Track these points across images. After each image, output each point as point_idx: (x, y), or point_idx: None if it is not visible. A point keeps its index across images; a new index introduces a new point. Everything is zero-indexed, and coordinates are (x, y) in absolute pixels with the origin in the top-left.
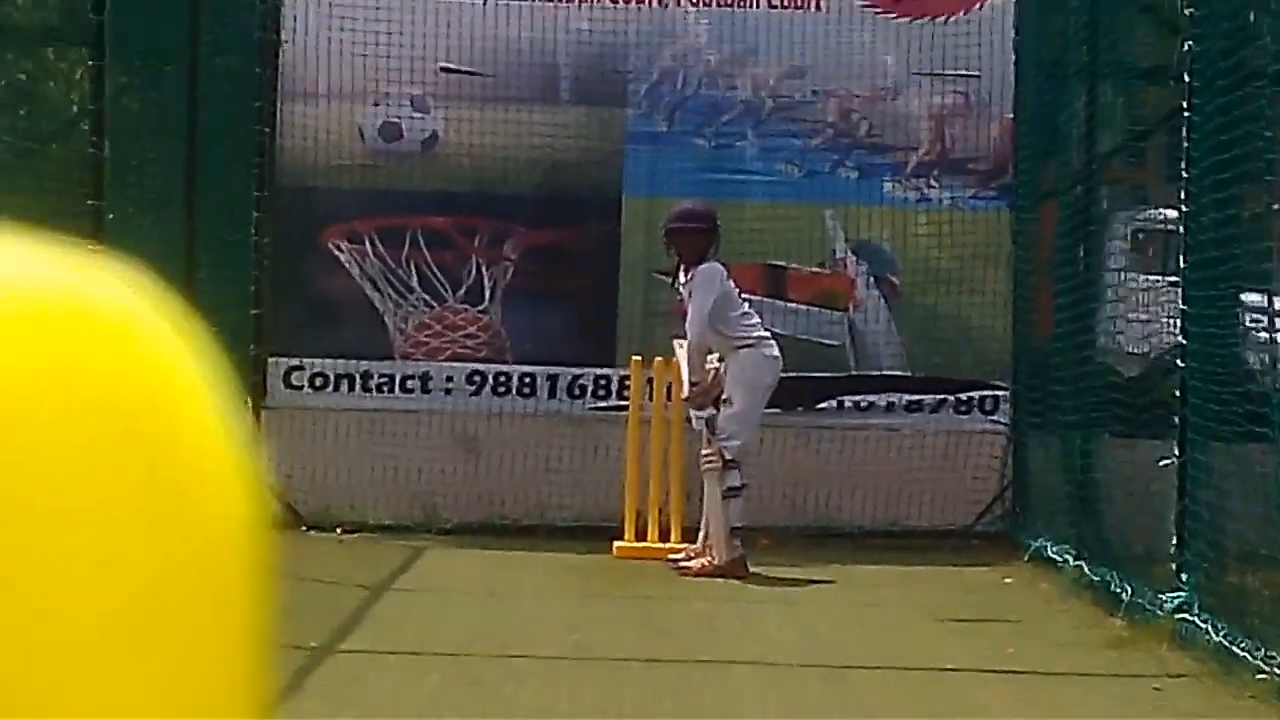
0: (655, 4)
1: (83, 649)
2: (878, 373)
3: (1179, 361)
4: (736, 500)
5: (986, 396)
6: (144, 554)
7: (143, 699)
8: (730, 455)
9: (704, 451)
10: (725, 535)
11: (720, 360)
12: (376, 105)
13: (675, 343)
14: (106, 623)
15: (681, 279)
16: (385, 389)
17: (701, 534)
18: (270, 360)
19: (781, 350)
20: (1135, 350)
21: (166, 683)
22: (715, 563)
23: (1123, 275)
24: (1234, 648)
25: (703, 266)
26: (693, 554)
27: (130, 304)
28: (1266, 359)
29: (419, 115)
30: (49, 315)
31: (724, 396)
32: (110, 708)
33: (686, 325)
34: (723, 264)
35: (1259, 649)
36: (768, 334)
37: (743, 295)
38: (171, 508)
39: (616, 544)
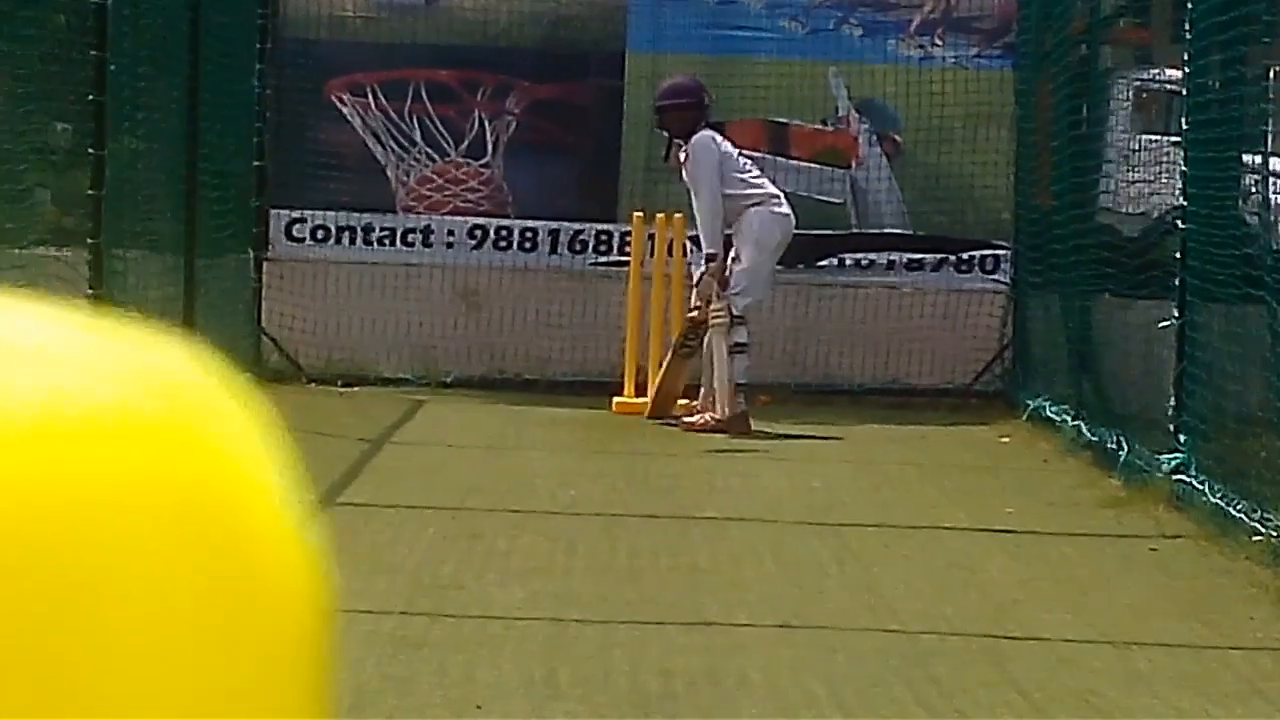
0: None
1: None
2: (879, 231)
3: (1179, 223)
4: (742, 356)
5: (987, 256)
6: (219, 650)
7: None
8: (738, 310)
9: (713, 306)
10: (730, 391)
11: (730, 228)
12: None
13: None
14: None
15: (680, 156)
16: (387, 242)
17: (703, 389)
18: (272, 212)
19: (792, 206)
20: (1136, 211)
21: None
22: (717, 418)
23: (1124, 136)
24: (1230, 509)
25: (696, 140)
26: (693, 409)
27: (203, 402)
28: (1266, 221)
29: None
30: (118, 425)
31: (733, 254)
32: None
33: (694, 202)
34: (716, 125)
35: (1255, 510)
36: (777, 192)
37: (743, 153)
38: (244, 606)
39: (616, 399)
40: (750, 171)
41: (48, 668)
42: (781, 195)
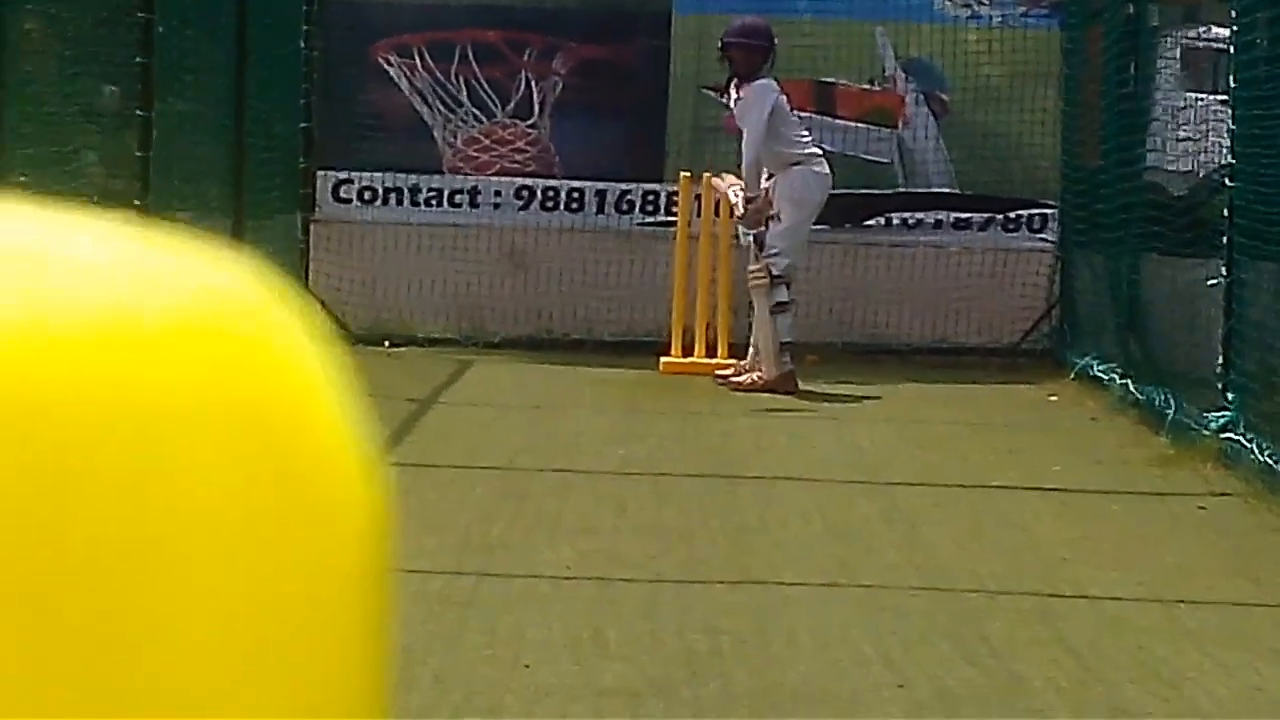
0: None
1: (220, 649)
2: (926, 190)
3: (1227, 181)
4: (784, 315)
5: (1034, 215)
6: (277, 557)
7: (273, 699)
8: (777, 271)
9: (751, 268)
10: (775, 350)
11: (770, 178)
12: None
13: (712, 179)
14: (239, 624)
15: (734, 94)
16: (434, 203)
17: (751, 349)
18: (319, 173)
19: (831, 167)
20: (1183, 169)
21: (297, 683)
22: (764, 378)
23: (1172, 94)
24: (1278, 467)
25: (756, 83)
26: (741, 369)
27: (261, 312)
28: None
29: None
30: (183, 331)
31: (773, 212)
32: (242, 708)
33: (741, 143)
34: (776, 80)
35: None
36: (819, 151)
37: (794, 111)
38: (302, 513)
39: (663, 359)
40: (799, 128)
41: (113, 571)
42: (823, 155)
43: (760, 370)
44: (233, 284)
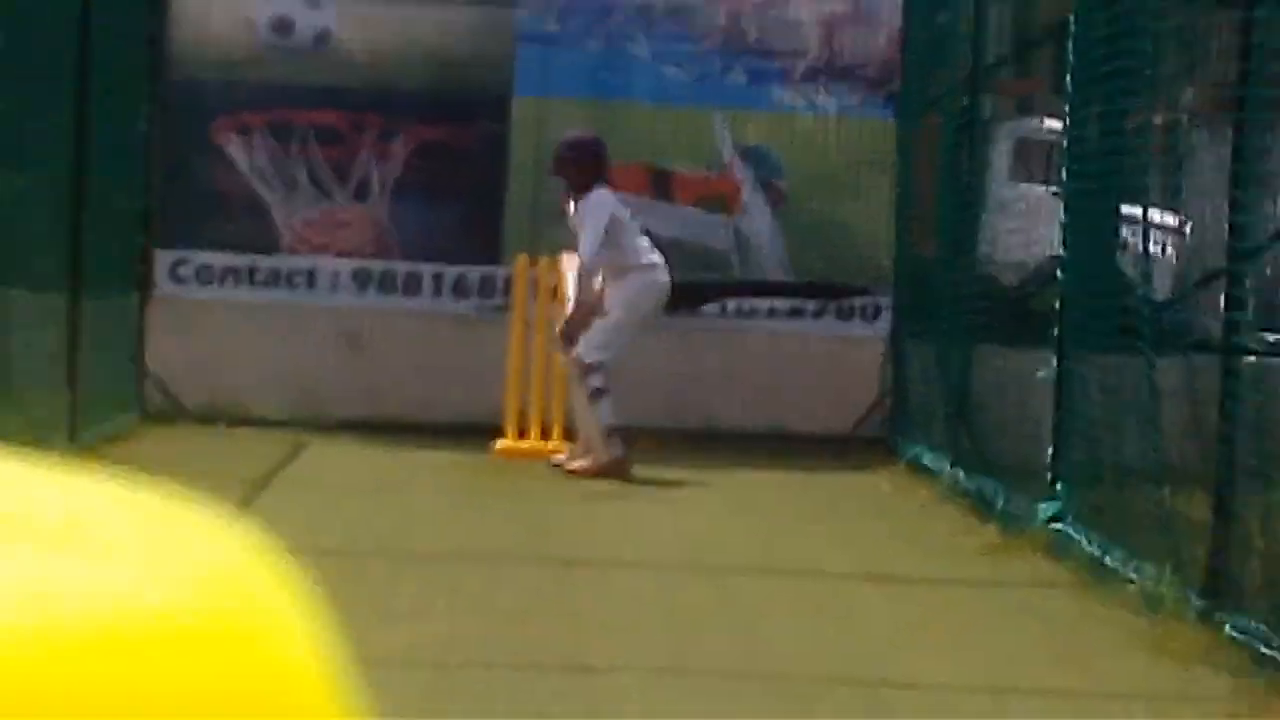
0: None
1: None
2: (761, 278)
3: (1058, 273)
4: (603, 400)
5: (868, 303)
6: None
7: None
8: (588, 361)
9: (562, 360)
10: (602, 436)
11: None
12: None
13: (563, 255)
14: None
15: (570, 208)
16: (272, 283)
17: (581, 434)
18: (157, 252)
19: (665, 254)
20: (1015, 260)
21: None
22: (597, 463)
23: (1005, 185)
24: (1106, 558)
25: (591, 194)
26: (575, 454)
27: (253, 602)
28: (1143, 272)
29: (311, 10)
30: (171, 633)
31: (605, 308)
32: None
33: (578, 253)
34: (610, 189)
35: (1130, 560)
36: (659, 259)
37: (633, 216)
38: None
39: (498, 443)
40: (638, 236)
41: None
42: (663, 264)
43: (592, 456)
44: (227, 571)
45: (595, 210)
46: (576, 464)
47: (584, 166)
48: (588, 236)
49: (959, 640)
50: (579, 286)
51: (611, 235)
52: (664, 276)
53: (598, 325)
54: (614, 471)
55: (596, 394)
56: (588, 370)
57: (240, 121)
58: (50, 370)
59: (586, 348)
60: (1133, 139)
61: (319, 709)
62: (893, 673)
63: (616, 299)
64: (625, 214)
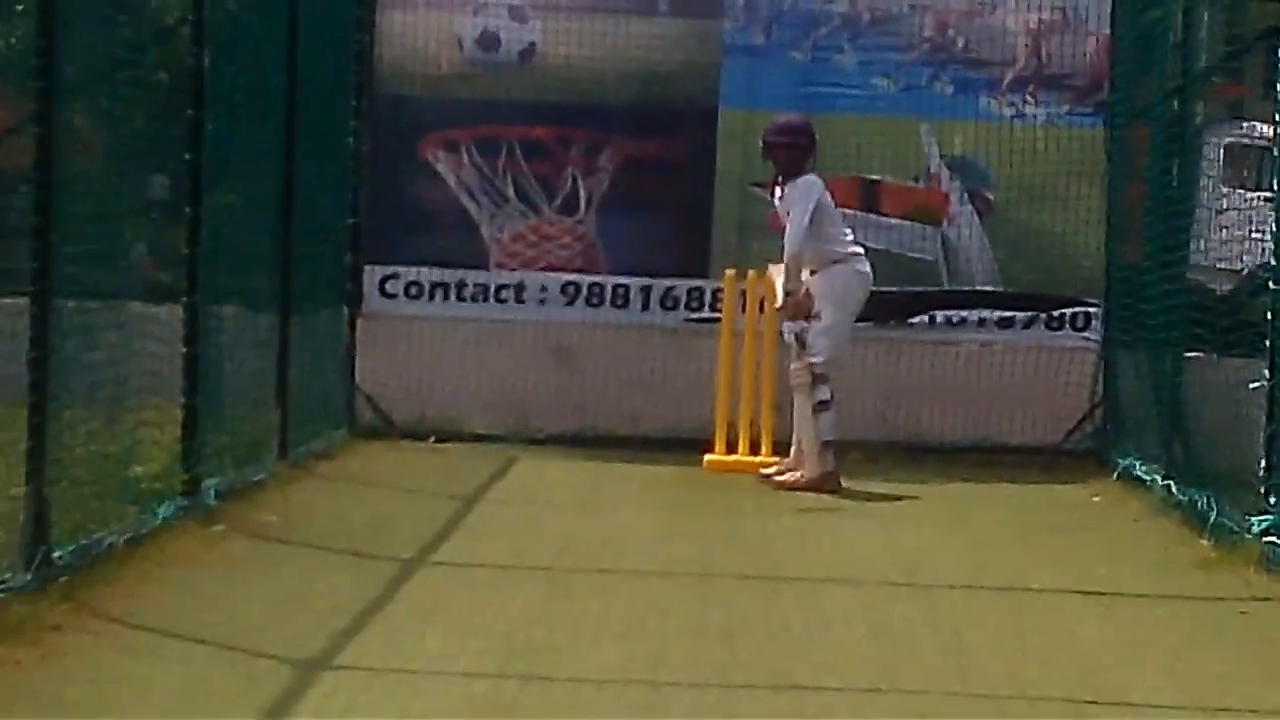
0: None
1: None
2: (970, 288)
3: (1270, 282)
4: (827, 414)
5: (1078, 313)
6: None
7: None
8: (818, 369)
9: (793, 366)
10: (817, 449)
11: (812, 273)
12: (475, 14)
13: (770, 266)
14: None
15: (779, 192)
16: (480, 298)
17: (794, 447)
18: (366, 268)
19: (873, 265)
20: (1227, 268)
21: None
22: (807, 476)
23: (1216, 192)
24: None
25: (801, 179)
26: (784, 468)
27: None
28: None
29: (517, 25)
30: None
31: (814, 311)
32: None
33: (784, 238)
34: (821, 177)
35: None
36: (860, 249)
37: (838, 208)
38: None
39: (707, 456)
40: (842, 226)
41: None
42: (864, 254)
43: (804, 469)
44: None
45: (805, 193)
46: (788, 476)
47: (794, 149)
48: (795, 218)
49: (1171, 657)
50: (787, 274)
51: (816, 222)
52: (866, 266)
53: (814, 329)
54: (825, 485)
55: (822, 405)
56: (817, 380)
57: (448, 137)
58: (261, 387)
59: (812, 355)
60: None
61: None
62: (1103, 690)
63: (823, 296)
64: (831, 203)
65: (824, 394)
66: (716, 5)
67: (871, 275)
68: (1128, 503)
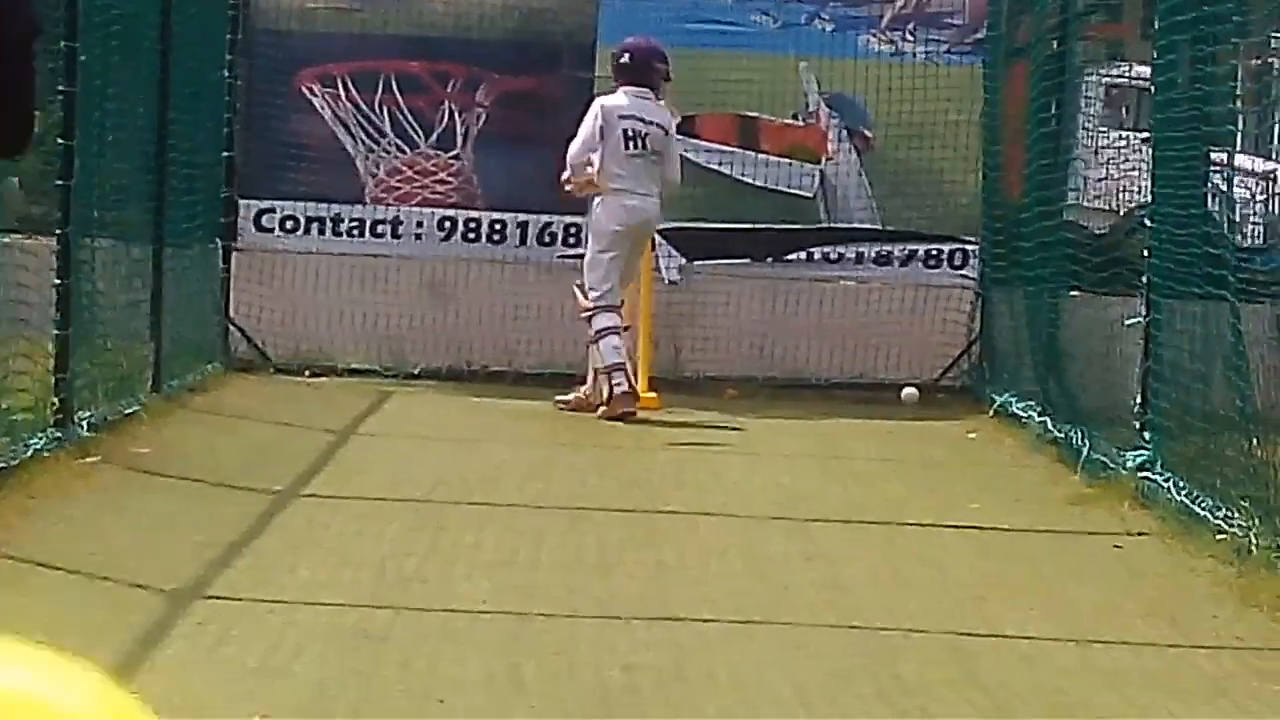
0: None
1: None
2: (848, 225)
3: (1147, 220)
4: (605, 340)
5: (956, 250)
6: None
7: None
8: (590, 303)
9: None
10: (603, 374)
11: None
12: None
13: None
14: None
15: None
16: (356, 233)
17: (590, 376)
18: (241, 202)
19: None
20: (1104, 207)
21: None
22: (592, 401)
23: (1094, 132)
24: (1195, 507)
25: (600, 98)
26: (584, 395)
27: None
28: (1231, 219)
29: None
30: None
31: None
32: None
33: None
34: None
35: (1219, 509)
36: (630, 187)
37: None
38: None
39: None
40: (622, 160)
41: None
42: (636, 190)
43: (590, 390)
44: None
45: (587, 116)
46: (570, 397)
47: (615, 68)
48: (580, 134)
49: (1045, 590)
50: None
51: (604, 151)
52: (633, 201)
53: (584, 264)
54: (615, 409)
55: (599, 334)
56: (595, 311)
57: (324, 71)
58: (135, 321)
59: (589, 287)
60: (1221, 84)
61: None
62: (977, 623)
63: (589, 227)
64: (619, 134)
65: (601, 323)
66: None
67: (640, 210)
68: (1003, 439)
